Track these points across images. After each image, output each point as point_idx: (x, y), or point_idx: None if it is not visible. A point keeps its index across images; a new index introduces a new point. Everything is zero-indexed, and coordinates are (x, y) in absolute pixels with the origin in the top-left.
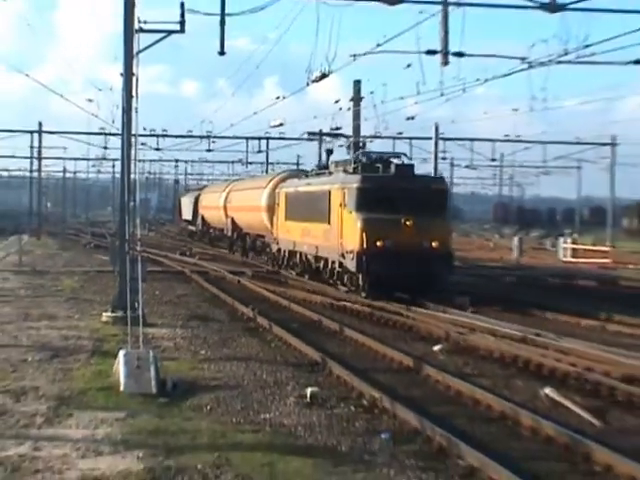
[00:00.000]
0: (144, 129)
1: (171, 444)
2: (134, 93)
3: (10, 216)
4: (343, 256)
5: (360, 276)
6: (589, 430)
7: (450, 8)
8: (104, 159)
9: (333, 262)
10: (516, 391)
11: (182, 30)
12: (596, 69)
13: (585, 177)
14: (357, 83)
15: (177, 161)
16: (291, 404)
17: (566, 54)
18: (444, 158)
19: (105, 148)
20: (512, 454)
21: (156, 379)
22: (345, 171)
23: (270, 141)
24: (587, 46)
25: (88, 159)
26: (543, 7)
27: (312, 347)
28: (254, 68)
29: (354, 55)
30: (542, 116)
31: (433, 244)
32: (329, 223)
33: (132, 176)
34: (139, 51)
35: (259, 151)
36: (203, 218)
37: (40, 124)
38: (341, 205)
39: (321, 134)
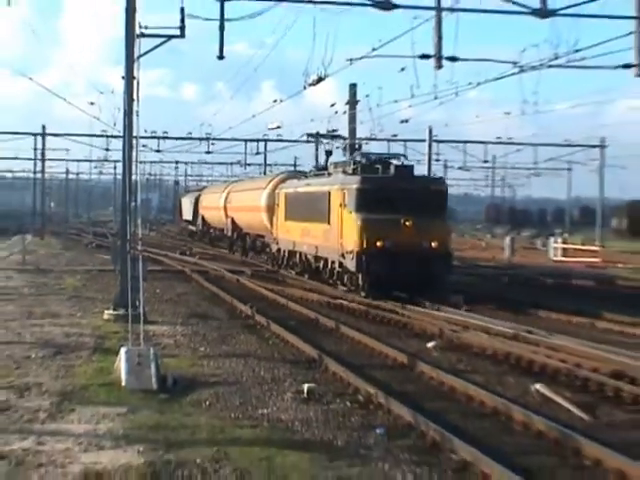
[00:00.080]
0: (145, 131)
1: (171, 439)
2: (135, 96)
3: (14, 216)
4: (343, 256)
5: (360, 276)
6: (579, 425)
7: (444, 14)
8: (106, 160)
9: (333, 262)
10: (508, 387)
11: (182, 35)
12: (586, 73)
13: (575, 178)
14: (353, 87)
15: (177, 163)
16: (288, 400)
17: (557, 58)
18: (438, 160)
19: (107, 150)
20: (504, 449)
21: (157, 375)
22: (344, 172)
23: (268, 143)
24: (577, 50)
25: (90, 160)
26: (534, 13)
27: (309, 344)
28: (252, 72)
29: (350, 59)
30: (533, 119)
31: (432, 244)
32: (329, 223)
33: (133, 177)
34: (140, 55)
35: (257, 153)
36: (203, 218)
37: (44, 127)
38: (341, 205)
39: (320, 135)
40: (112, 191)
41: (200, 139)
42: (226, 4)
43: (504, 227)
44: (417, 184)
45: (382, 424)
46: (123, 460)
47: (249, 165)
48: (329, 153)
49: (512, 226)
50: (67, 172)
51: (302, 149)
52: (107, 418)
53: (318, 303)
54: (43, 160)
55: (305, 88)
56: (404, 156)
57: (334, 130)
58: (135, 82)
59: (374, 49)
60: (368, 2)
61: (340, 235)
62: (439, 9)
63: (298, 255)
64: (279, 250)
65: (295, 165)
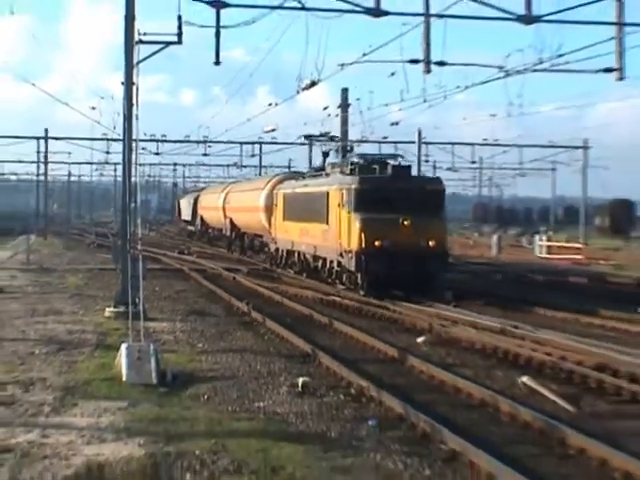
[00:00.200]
0: (144, 135)
1: (171, 431)
2: (134, 101)
3: (18, 217)
4: (342, 255)
5: (359, 275)
6: (563, 416)
7: (432, 20)
8: (106, 163)
9: (331, 261)
10: (495, 380)
11: (180, 41)
12: (569, 77)
13: (559, 178)
14: (345, 91)
15: (175, 165)
16: (284, 393)
17: (541, 63)
18: (427, 161)
19: (107, 153)
20: (492, 439)
21: (156, 370)
22: (342, 172)
23: (263, 146)
24: (560, 55)
25: (91, 163)
26: (519, 19)
27: (303, 339)
28: (248, 77)
29: (342, 64)
30: (518, 121)
31: (430, 243)
32: (327, 223)
33: (133, 179)
34: (139, 61)
35: (253, 155)
36: (202, 218)
37: (46, 130)
38: (339, 205)
39: (318, 136)
40: (112, 192)
41: (197, 142)
42: (222, 11)
43: (491, 225)
44: (415, 184)
45: (374, 416)
46: (124, 452)
47: (245, 167)
48: (326, 154)
49: (499, 224)
50: (69, 174)
51: (296, 151)
52: (109, 412)
53: (312, 300)
54: (46, 163)
55: (299, 92)
56: (401, 156)
57: (327, 133)
58: (134, 87)
59: (365, 54)
60: (359, 9)
61: (339, 235)
62: (427, 15)
63: (296, 254)
64: (277, 250)
65: (289, 167)
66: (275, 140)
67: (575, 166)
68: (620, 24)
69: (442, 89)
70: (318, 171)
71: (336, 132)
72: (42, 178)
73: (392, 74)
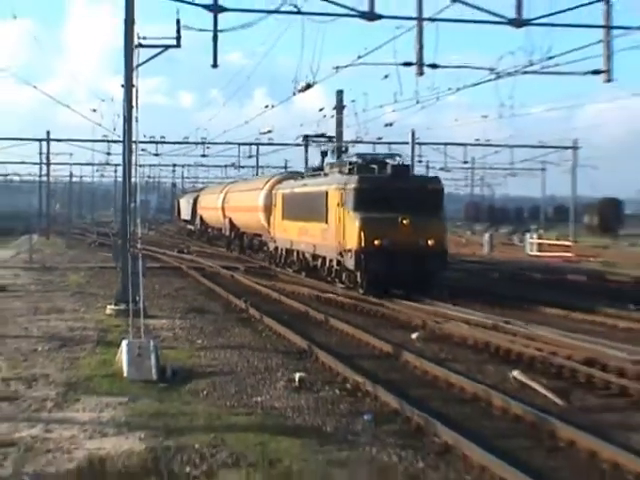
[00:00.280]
0: (144, 136)
1: (171, 426)
2: (134, 103)
3: (21, 217)
4: (341, 254)
5: (358, 274)
6: (553, 409)
7: (425, 23)
8: (107, 164)
9: (331, 260)
10: (487, 374)
11: (178, 45)
12: (559, 79)
13: (549, 178)
14: (340, 93)
15: (174, 166)
16: (281, 388)
17: (531, 65)
18: (420, 161)
19: (108, 154)
20: (484, 432)
21: (156, 366)
22: (341, 172)
23: (260, 147)
24: (550, 58)
25: (93, 164)
26: (510, 22)
27: (300, 336)
28: (245, 80)
29: (337, 67)
30: (509, 122)
31: (429, 242)
32: (326, 222)
33: (133, 180)
34: (138, 65)
35: (250, 156)
36: (201, 218)
37: (48, 132)
38: (339, 205)
39: (316, 136)
40: (113, 193)
41: (196, 143)
42: (219, 16)
43: (483, 224)
44: (414, 183)
45: (369, 410)
46: (125, 446)
47: (242, 167)
48: (325, 154)
49: (490, 223)
50: (71, 175)
51: (292, 152)
52: (110, 407)
53: (308, 297)
54: (48, 164)
55: (295, 94)
56: (399, 156)
57: (322, 134)
58: (134, 90)
59: (359, 57)
60: (353, 13)
61: (338, 234)
62: (420, 19)
63: (295, 253)
64: (277, 249)
65: (286, 167)
66: (272, 141)
67: (565, 166)
68: (608, 27)
69: (435, 91)
70: (316, 171)
71: (331, 133)
72: (44, 179)
73: (386, 76)
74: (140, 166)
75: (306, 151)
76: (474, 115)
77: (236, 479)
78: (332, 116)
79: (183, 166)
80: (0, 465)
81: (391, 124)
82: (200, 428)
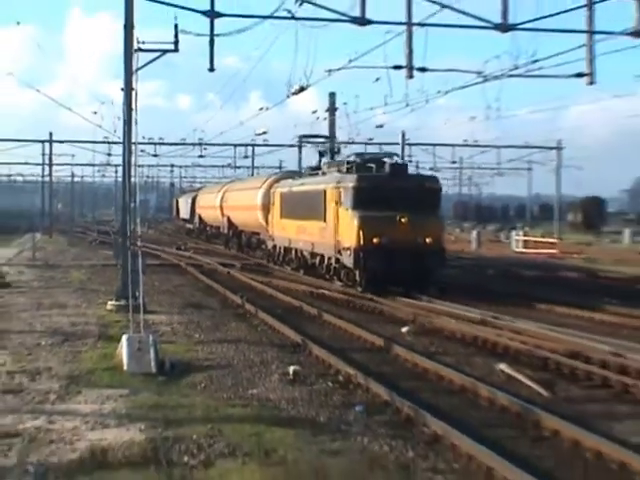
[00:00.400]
0: (143, 138)
1: (169, 417)
2: (134, 106)
3: (25, 216)
4: (340, 252)
5: (357, 272)
6: (538, 400)
7: (414, 28)
8: (108, 165)
9: (329, 258)
10: (475, 367)
11: (176, 49)
12: (544, 82)
13: (535, 177)
14: (332, 95)
15: (172, 166)
16: (276, 381)
17: (517, 68)
18: (410, 162)
19: (109, 155)
20: (472, 422)
21: (155, 360)
22: (339, 171)
23: (255, 147)
24: (535, 61)
25: (94, 165)
26: (496, 27)
27: (294, 330)
28: (241, 83)
29: (329, 70)
30: (496, 124)
31: (427, 240)
32: (325, 221)
33: (132, 180)
34: (138, 68)
35: (246, 156)
36: (200, 217)
37: (50, 134)
38: (337, 203)
39: (313, 136)
40: (113, 192)
41: (193, 144)
42: (216, 21)
43: (471, 222)
44: (412, 182)
45: (361, 402)
46: (126, 437)
47: (238, 168)
48: (322, 153)
49: (478, 221)
50: (72, 176)
51: (286, 153)
52: (111, 399)
53: (303, 293)
54: (50, 165)
55: (288, 97)
56: (396, 155)
57: (315, 135)
58: (133, 93)
59: (351, 61)
60: (345, 18)
61: (337, 232)
62: (410, 24)
63: (294, 251)
64: (275, 247)
65: (280, 167)
66: (267, 142)
67: (550, 166)
68: (590, 32)
69: (424, 93)
70: (314, 170)
71: (324, 134)
72: (47, 179)
73: (377, 79)
74: (139, 166)
75: (300, 152)
76: (462, 117)
77: (233, 468)
78: (325, 118)
79: (181, 166)
80: (5, 455)
81: (382, 125)
82: (198, 419)
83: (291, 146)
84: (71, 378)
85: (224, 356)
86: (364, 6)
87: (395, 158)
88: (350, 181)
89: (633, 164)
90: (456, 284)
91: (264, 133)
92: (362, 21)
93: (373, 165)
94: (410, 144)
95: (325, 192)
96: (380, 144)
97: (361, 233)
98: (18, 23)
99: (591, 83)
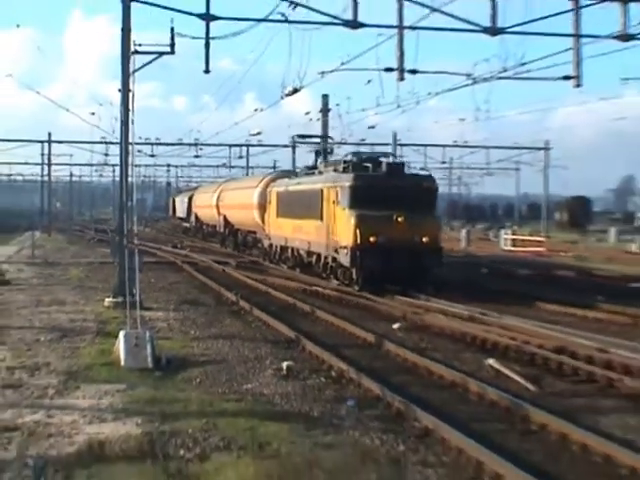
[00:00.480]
0: (140, 138)
1: (165, 412)
2: (131, 107)
3: (24, 215)
4: (336, 251)
5: (354, 270)
6: (526, 394)
7: (405, 31)
8: (105, 164)
9: (326, 257)
10: (464, 362)
11: (172, 52)
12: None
13: (523, 177)
14: (325, 97)
15: (169, 166)
16: (269, 376)
17: (505, 71)
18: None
19: (106, 155)
20: (461, 417)
21: (152, 356)
22: (336, 170)
23: (250, 148)
24: (523, 64)
25: (91, 165)
26: (485, 31)
27: (288, 326)
28: (235, 85)
29: (322, 72)
30: (485, 125)
31: (424, 239)
32: (321, 220)
33: (130, 179)
34: (135, 70)
35: (240, 157)
36: (196, 216)
37: (49, 135)
38: (334, 202)
39: (309, 136)
40: (111, 192)
41: (189, 145)
42: (211, 24)
43: (460, 221)
44: (409, 181)
45: (353, 397)
46: (123, 431)
47: (233, 167)
48: (319, 153)
49: (467, 220)
50: (71, 175)
51: (280, 153)
52: (108, 394)
53: (296, 290)
54: (49, 165)
55: (282, 98)
56: (393, 155)
57: (309, 135)
58: (130, 94)
59: (343, 63)
60: (338, 21)
61: (334, 231)
62: (401, 27)
63: (290, 250)
64: (271, 245)
65: (274, 167)
66: (261, 142)
67: (537, 166)
68: (577, 36)
69: (415, 95)
70: (311, 169)
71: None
72: (46, 179)
73: (369, 81)
74: (136, 166)
75: (293, 152)
76: (452, 118)
77: (227, 462)
78: (318, 119)
79: (177, 166)
80: (5, 448)
81: (374, 126)
82: (193, 414)
83: (285, 146)
84: (69, 373)
85: (219, 352)
86: (356, 10)
87: (391, 157)
88: (347, 180)
89: (618, 165)
90: (447, 282)
91: (258, 134)
92: (354, 24)
93: (370, 164)
94: (401, 145)
95: (322, 191)
96: (372, 144)
97: (358, 232)
98: (18, 26)
99: (578, 86)
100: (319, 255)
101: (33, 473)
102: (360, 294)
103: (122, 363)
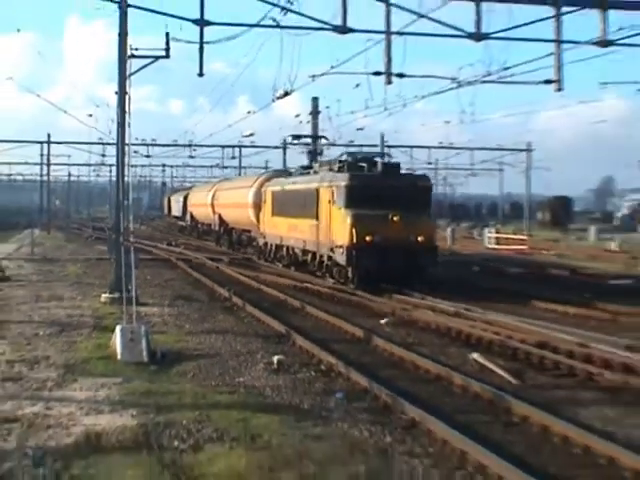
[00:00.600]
0: (136, 139)
1: (160, 404)
2: (127, 109)
3: (24, 213)
4: (332, 250)
5: (350, 269)
6: (509, 388)
7: (393, 37)
8: (102, 165)
9: (321, 256)
10: (450, 356)
11: (167, 56)
12: (515, 88)
13: (506, 178)
14: (315, 100)
15: (164, 166)
16: (261, 370)
17: (489, 75)
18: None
19: (103, 155)
20: (446, 409)
21: (147, 350)
22: (331, 170)
23: (243, 149)
24: (507, 68)
25: (89, 165)
26: (470, 36)
27: (279, 322)
28: (229, 87)
29: (312, 76)
30: (470, 127)
31: (419, 238)
32: (317, 219)
33: (126, 179)
34: (131, 74)
35: (233, 157)
36: (192, 215)
37: (49, 136)
38: (330, 202)
39: (305, 136)
40: (108, 191)
41: (184, 145)
42: (205, 29)
43: (445, 220)
44: (404, 181)
45: (342, 389)
46: (119, 422)
47: (226, 168)
48: (313, 153)
49: (452, 219)
50: (69, 175)
51: (272, 154)
52: (105, 387)
53: (287, 286)
54: (48, 165)
55: (274, 101)
56: (388, 155)
57: (307, 136)
58: (127, 97)
59: (333, 67)
60: (328, 27)
61: (329, 230)
62: (389, 33)
63: (285, 249)
64: (266, 244)
65: (266, 167)
66: (253, 144)
67: (520, 167)
68: (558, 42)
69: (402, 98)
70: (306, 169)
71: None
72: (45, 178)
73: (357, 85)
74: (132, 166)
75: (284, 153)
76: (438, 120)
77: (221, 452)
78: (308, 121)
79: (172, 166)
80: (5, 439)
81: (362, 128)
82: (187, 406)
83: (276, 147)
84: (67, 367)
85: (212, 346)
86: (345, 15)
87: (386, 158)
88: (343, 180)
89: (598, 166)
90: (442, 280)
91: (251, 135)
92: (344, 30)
93: (365, 164)
94: (389, 146)
95: (317, 191)
96: (360, 146)
97: (354, 231)
98: (18, 30)
99: (559, 90)
100: (314, 254)
101: (32, 463)
102: (351, 291)
103: (118, 357)
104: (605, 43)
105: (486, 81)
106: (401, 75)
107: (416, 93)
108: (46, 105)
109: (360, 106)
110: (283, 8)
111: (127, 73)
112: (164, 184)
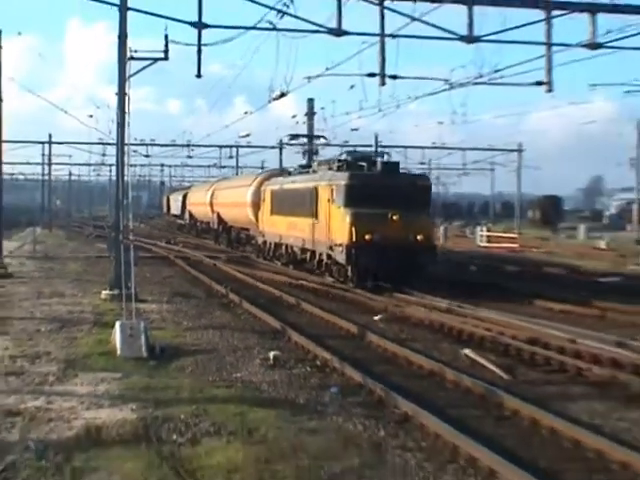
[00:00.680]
0: (135, 139)
1: (159, 398)
2: (127, 110)
3: (26, 212)
4: (331, 249)
5: (349, 268)
6: (500, 383)
7: (386, 39)
8: (102, 164)
9: (320, 254)
10: (442, 352)
11: (166, 58)
12: (506, 89)
13: (497, 177)
14: (310, 101)
15: (163, 166)
16: (257, 365)
17: (481, 77)
18: None
19: (103, 155)
20: (439, 403)
21: (146, 345)
22: (331, 169)
23: (239, 149)
24: (498, 70)
25: (89, 164)
26: (462, 39)
27: (275, 318)
28: (226, 89)
29: (308, 77)
30: (462, 128)
31: (418, 237)
32: (316, 218)
33: (125, 178)
34: (130, 75)
35: (230, 157)
36: (190, 213)
37: (50, 136)
38: (329, 201)
39: (303, 136)
40: (108, 190)
41: (182, 145)
42: (203, 31)
43: (438, 218)
44: (403, 180)
45: (336, 384)
46: (119, 416)
47: (224, 167)
48: (311, 153)
49: (445, 217)
50: (70, 174)
51: (268, 154)
52: (105, 381)
53: (282, 284)
54: (50, 164)
55: (270, 102)
56: (387, 154)
57: (305, 135)
58: (126, 98)
59: (328, 69)
60: (323, 29)
61: (329, 229)
62: (383, 35)
63: (284, 247)
64: (265, 242)
65: (263, 167)
66: (250, 144)
67: (511, 167)
68: (548, 44)
69: (395, 99)
70: (305, 168)
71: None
72: (46, 178)
73: (352, 86)
74: (132, 166)
75: (281, 153)
76: (431, 121)
77: (218, 446)
78: (304, 122)
79: (170, 166)
80: (8, 432)
81: (357, 129)
82: (185, 400)
83: (273, 147)
84: (68, 362)
85: (210, 342)
86: (340, 18)
87: (386, 157)
88: (342, 179)
89: (587, 165)
90: (428, 276)
91: (248, 135)
92: (339, 32)
93: (364, 163)
94: (383, 146)
95: (317, 189)
96: (355, 146)
97: (353, 230)
98: (19, 33)
99: (549, 91)
100: (313, 252)
101: (35, 455)
102: (345, 288)
103: (118, 352)
104: (594, 46)
105: (478, 83)
106: (395, 77)
107: (409, 94)
108: (47, 106)
109: (355, 107)
110: (279, 11)
111: (127, 75)
112: (162, 183)
